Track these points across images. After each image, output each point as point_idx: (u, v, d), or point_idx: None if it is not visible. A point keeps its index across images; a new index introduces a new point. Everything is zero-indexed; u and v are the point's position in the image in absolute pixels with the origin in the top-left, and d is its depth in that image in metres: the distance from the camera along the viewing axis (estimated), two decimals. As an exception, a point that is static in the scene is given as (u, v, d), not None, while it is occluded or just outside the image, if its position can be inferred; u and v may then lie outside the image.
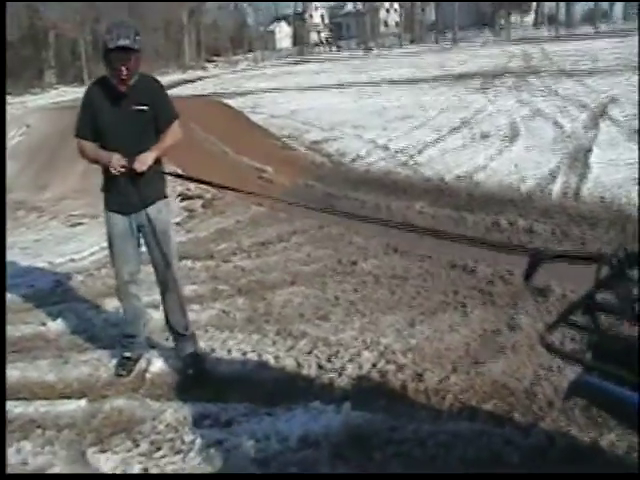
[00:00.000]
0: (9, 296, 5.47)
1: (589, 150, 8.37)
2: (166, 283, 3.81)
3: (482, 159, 8.80)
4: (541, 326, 3.90)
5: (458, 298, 4.48)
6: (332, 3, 79.44)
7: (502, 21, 55.60)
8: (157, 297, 4.04)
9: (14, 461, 3.13)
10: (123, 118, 3.56)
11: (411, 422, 3.06)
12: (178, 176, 4.35)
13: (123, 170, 3.52)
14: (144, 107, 3.58)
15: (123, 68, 3.41)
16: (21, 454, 3.17)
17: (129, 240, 3.74)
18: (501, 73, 19.86)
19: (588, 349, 1.74)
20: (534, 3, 60.09)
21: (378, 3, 68.81)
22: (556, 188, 6.94)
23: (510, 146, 9.43)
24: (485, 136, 10.38)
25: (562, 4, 54.46)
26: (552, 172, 7.62)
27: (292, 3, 73.93)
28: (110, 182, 3.67)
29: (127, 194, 3.63)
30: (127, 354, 3.97)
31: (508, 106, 13.08)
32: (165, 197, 3.84)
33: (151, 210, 3.71)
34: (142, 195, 3.66)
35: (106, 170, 3.62)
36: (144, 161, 3.54)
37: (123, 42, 3.37)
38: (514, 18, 60.76)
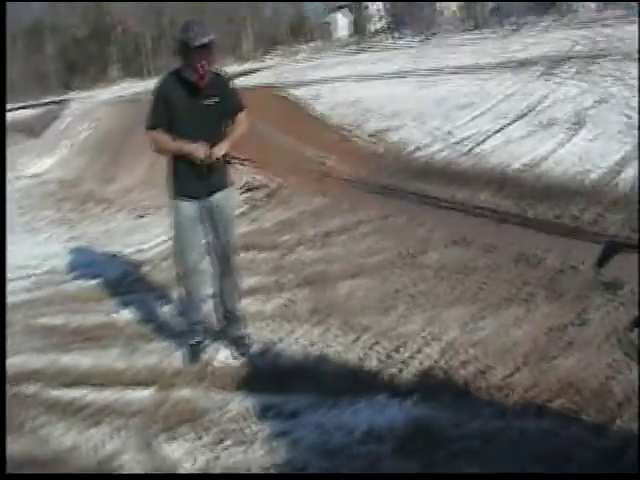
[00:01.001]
0: (80, 285, 5.66)
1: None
2: (227, 267, 3.99)
3: (547, 148, 8.56)
4: (611, 322, 3.79)
5: (524, 291, 4.37)
6: None
7: (565, 5, 53.96)
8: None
9: (89, 445, 3.25)
10: (197, 111, 3.71)
11: (476, 418, 3.02)
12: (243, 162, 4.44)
13: (205, 157, 3.66)
14: (215, 100, 3.74)
15: (204, 64, 3.58)
16: (94, 439, 3.28)
17: (197, 227, 3.87)
18: (566, 58, 19.29)
19: None
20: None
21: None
22: (624, 179, 6.71)
23: (576, 135, 9.13)
24: (550, 124, 10.11)
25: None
26: (620, 163, 7.37)
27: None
28: (181, 170, 3.79)
29: (198, 181, 3.76)
30: (197, 339, 4.05)
31: (573, 93, 12.65)
32: (230, 185, 4.03)
33: (219, 196, 3.88)
34: (212, 182, 3.82)
35: (177, 159, 3.76)
36: (219, 150, 3.72)
37: (205, 40, 3.56)
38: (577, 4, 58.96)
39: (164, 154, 3.81)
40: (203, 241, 3.97)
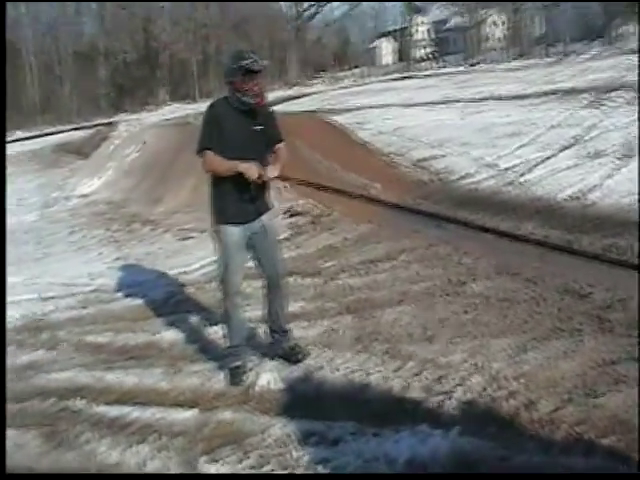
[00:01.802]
0: (126, 304, 5.75)
1: None
2: (278, 284, 4.19)
3: (595, 178, 8.46)
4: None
5: (572, 324, 4.30)
6: (437, 17, 78.81)
7: (616, 32, 53.30)
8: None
9: (133, 462, 3.29)
10: (247, 135, 3.87)
11: (522, 452, 2.97)
12: (309, 184, 4.56)
13: (256, 177, 3.78)
14: (262, 127, 3.92)
15: (259, 87, 3.79)
16: (139, 456, 3.32)
17: (242, 251, 3.99)
18: (615, 87, 19.05)
19: None
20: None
21: (483, 17, 67.74)
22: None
23: (626, 165, 9.01)
24: (598, 154, 9.98)
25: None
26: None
27: (397, 19, 73.77)
28: (228, 195, 3.89)
29: (246, 204, 3.90)
30: (237, 363, 4.09)
31: (623, 122, 12.50)
32: (272, 207, 4.20)
33: (264, 218, 4.03)
34: (257, 205, 3.97)
35: (222, 184, 3.87)
36: (273, 171, 3.89)
37: (261, 65, 3.80)
38: (629, 28, 58.21)
39: (217, 174, 3.89)
40: (247, 265, 4.09)
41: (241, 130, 3.85)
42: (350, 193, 3.67)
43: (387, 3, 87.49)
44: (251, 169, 3.76)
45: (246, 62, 3.74)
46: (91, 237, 8.92)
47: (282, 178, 4.00)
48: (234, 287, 4.00)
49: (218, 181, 3.92)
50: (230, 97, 3.86)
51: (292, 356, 4.20)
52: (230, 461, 3.21)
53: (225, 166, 3.81)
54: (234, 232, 3.92)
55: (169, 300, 5.77)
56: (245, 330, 4.25)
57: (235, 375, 4.05)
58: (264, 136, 3.95)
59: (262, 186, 3.96)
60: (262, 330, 4.51)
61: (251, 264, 4.17)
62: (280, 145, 4.07)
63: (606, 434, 3.06)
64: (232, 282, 3.99)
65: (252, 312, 4.70)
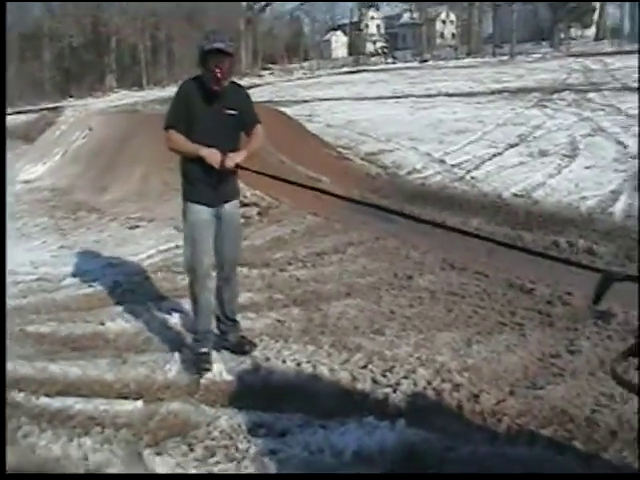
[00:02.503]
0: (71, 294, 5.62)
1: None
2: (231, 274, 4.12)
3: (541, 177, 8.68)
4: (602, 351, 3.82)
5: (516, 319, 4.41)
6: (388, 13, 79.36)
7: (561, 35, 54.63)
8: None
9: (75, 456, 3.21)
10: (215, 119, 3.77)
11: (467, 443, 3.03)
12: (261, 173, 4.43)
13: (217, 165, 3.70)
14: (234, 112, 3.81)
15: (218, 69, 3.63)
16: (82, 449, 3.24)
17: (210, 231, 3.91)
18: (560, 88, 19.54)
19: None
20: (596, 16, 58.73)
21: (434, 14, 68.56)
22: (618, 209, 6.79)
23: (570, 164, 9.27)
24: (544, 153, 10.23)
25: (627, 16, 52.97)
26: (614, 192, 7.47)
27: (348, 13, 74.00)
28: (197, 174, 3.81)
29: (213, 187, 3.82)
30: (204, 349, 4.01)
31: (568, 123, 12.86)
32: (238, 196, 4.11)
33: (229, 205, 3.95)
34: (225, 190, 3.90)
35: (191, 162, 3.80)
36: (235, 158, 3.76)
37: (219, 45, 3.62)
38: (574, 32, 59.70)
39: (179, 153, 3.84)
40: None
41: (211, 113, 3.76)
42: (317, 188, 3.70)
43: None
44: (212, 155, 3.69)
45: (204, 42, 3.65)
46: (34, 225, 8.68)
47: (240, 167, 3.91)
48: (203, 268, 3.89)
49: (186, 159, 3.85)
50: (200, 77, 3.76)
51: (239, 348, 4.16)
52: (175, 454, 3.17)
53: (187, 148, 3.74)
54: (202, 210, 3.85)
55: (116, 290, 5.65)
56: (212, 314, 4.12)
57: (202, 362, 3.97)
58: (238, 120, 3.84)
59: (229, 172, 3.87)
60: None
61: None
62: (257, 127, 3.93)
63: (547, 425, 3.14)
64: (201, 263, 3.87)
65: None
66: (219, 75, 3.64)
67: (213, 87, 3.70)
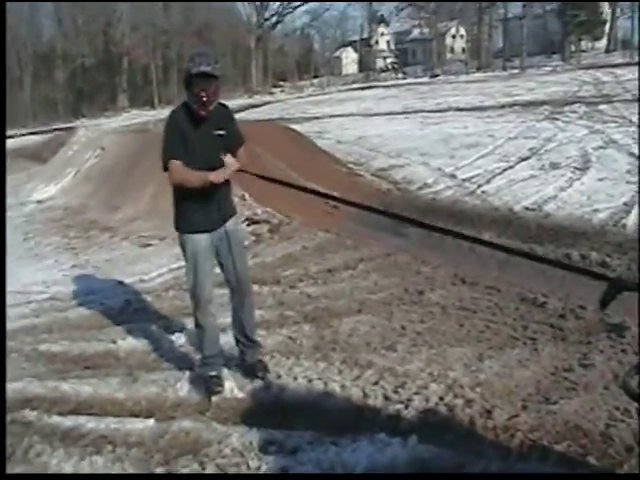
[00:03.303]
0: (82, 313, 5.65)
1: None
2: (244, 292, 4.06)
3: (552, 190, 8.64)
4: (616, 365, 3.78)
5: (528, 333, 4.37)
6: (398, 29, 79.67)
7: (572, 47, 54.58)
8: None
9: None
10: (205, 141, 3.74)
11: (479, 459, 3.00)
12: (274, 181, 4.42)
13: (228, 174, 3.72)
14: (222, 132, 3.79)
15: (204, 93, 3.60)
16: (93, 468, 3.26)
17: (210, 258, 3.91)
18: (571, 101, 19.50)
19: None
20: (607, 28, 58.67)
21: (444, 29, 68.78)
22: (630, 221, 6.75)
23: (581, 177, 9.23)
24: (555, 166, 10.19)
25: (637, 28, 52.84)
26: (626, 204, 7.42)
27: (358, 29, 74.35)
28: (192, 203, 3.79)
29: (210, 211, 3.81)
30: (213, 372, 3.99)
31: (579, 135, 12.81)
32: (236, 212, 4.11)
33: (229, 224, 3.94)
34: (222, 211, 3.89)
35: (186, 191, 3.75)
36: (236, 165, 3.77)
37: (205, 68, 3.57)
38: (585, 44, 59.63)
39: (184, 186, 3.73)
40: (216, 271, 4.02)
41: (200, 137, 3.73)
42: (319, 192, 3.71)
43: (349, 11, 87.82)
44: (220, 175, 3.68)
45: (189, 65, 3.61)
46: (47, 244, 8.76)
47: (244, 171, 3.90)
48: (205, 295, 3.90)
49: (181, 189, 3.80)
50: (186, 102, 3.73)
51: (253, 371, 4.09)
52: (187, 472, 3.17)
53: (193, 178, 3.68)
54: (201, 239, 3.84)
55: (127, 308, 5.69)
56: (218, 339, 4.09)
57: (212, 384, 3.95)
58: (224, 141, 3.81)
59: (225, 191, 3.90)
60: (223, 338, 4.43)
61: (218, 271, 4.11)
62: (241, 150, 3.92)
63: (560, 440, 3.11)
64: (203, 290, 3.88)
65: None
66: (204, 99, 3.62)
67: (200, 112, 3.67)
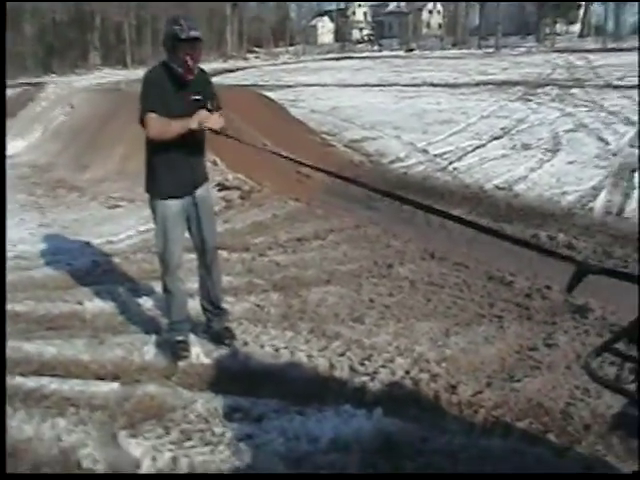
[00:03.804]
0: (48, 272, 5.56)
1: (635, 169, 8.21)
2: (212, 260, 4.03)
3: (522, 170, 8.72)
4: (579, 345, 3.86)
5: (494, 311, 4.43)
6: (375, 1, 79.08)
7: (547, 30, 54.81)
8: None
9: (48, 436, 3.18)
10: (184, 105, 3.68)
11: (443, 434, 3.04)
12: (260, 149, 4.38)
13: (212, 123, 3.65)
14: (199, 97, 3.74)
15: (189, 57, 3.59)
16: (55, 430, 3.21)
17: (181, 223, 3.87)
18: (544, 83, 19.62)
19: (634, 380, 1.70)
20: (581, 13, 59.01)
21: (421, 4, 68.44)
22: (598, 205, 6.85)
23: (551, 159, 9.32)
24: (526, 147, 10.28)
25: (611, 15, 53.31)
26: (594, 188, 7.53)
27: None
28: (164, 168, 3.74)
29: (181, 177, 3.77)
30: (180, 337, 3.98)
31: (551, 117, 12.92)
32: (208, 180, 4.07)
33: (200, 191, 3.91)
34: (194, 177, 3.86)
35: (158, 155, 3.72)
36: (216, 122, 3.71)
37: (194, 33, 3.58)
38: (559, 27, 59.89)
39: (165, 136, 3.64)
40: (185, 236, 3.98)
41: (178, 99, 3.68)
42: (290, 158, 3.69)
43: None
44: (202, 120, 3.60)
45: (175, 28, 3.56)
46: (13, 201, 8.56)
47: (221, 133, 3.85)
48: (174, 260, 3.87)
49: (154, 153, 3.76)
50: (168, 63, 3.68)
51: (220, 338, 4.09)
52: (150, 436, 3.15)
53: (173, 127, 3.59)
54: (171, 205, 3.79)
55: (94, 270, 5.61)
56: (186, 304, 4.08)
57: (179, 349, 3.93)
58: (201, 106, 3.74)
59: (198, 157, 3.87)
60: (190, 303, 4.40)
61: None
62: (219, 113, 3.85)
63: (522, 417, 3.17)
64: (172, 255, 3.85)
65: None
66: (191, 64, 3.61)
67: (187, 76, 3.65)
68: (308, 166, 3.61)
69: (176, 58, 3.61)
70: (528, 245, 2.03)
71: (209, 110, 3.74)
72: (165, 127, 3.61)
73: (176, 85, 3.69)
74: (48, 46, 49.82)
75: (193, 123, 3.60)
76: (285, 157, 4.20)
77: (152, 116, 3.60)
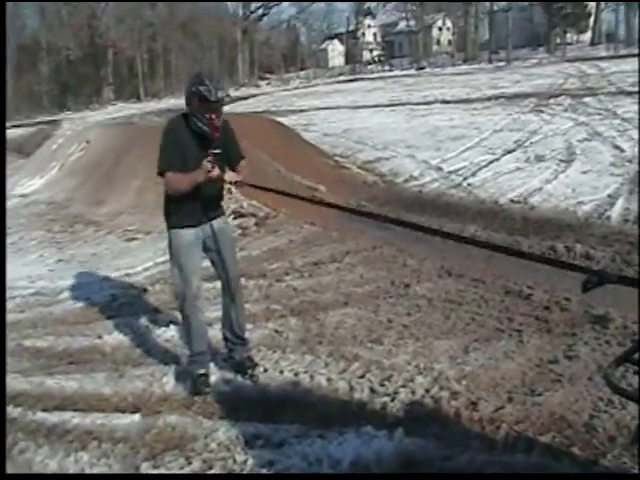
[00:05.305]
0: (68, 307, 5.62)
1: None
2: (235, 288, 4.03)
3: (537, 182, 8.68)
4: (600, 356, 3.81)
5: (513, 325, 4.39)
6: (385, 21, 79.60)
7: (557, 40, 54.77)
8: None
9: (73, 471, 3.20)
10: (205, 158, 3.68)
11: (465, 451, 3.01)
12: (263, 188, 4.44)
13: (215, 176, 3.68)
14: (219, 150, 3.77)
15: (216, 116, 3.65)
16: (79, 464, 3.24)
17: (196, 253, 3.88)
18: (557, 93, 19.56)
19: None
20: (591, 21, 58.90)
21: (430, 22, 68.80)
22: (615, 213, 6.79)
23: (566, 169, 9.27)
24: (540, 158, 10.23)
25: (622, 22, 53.12)
26: (611, 196, 7.47)
27: (345, 22, 74.37)
28: (181, 198, 3.76)
29: (196, 206, 3.80)
30: (201, 371, 3.94)
31: (564, 128, 12.86)
32: (224, 213, 4.13)
33: (218, 222, 3.94)
34: (211, 209, 3.90)
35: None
36: (238, 175, 3.84)
37: (222, 94, 3.64)
38: (570, 37, 59.84)
39: (181, 192, 3.72)
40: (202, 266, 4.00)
41: (200, 155, 3.69)
42: (313, 199, 3.74)
43: (335, 4, 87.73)
44: (205, 172, 3.63)
45: (202, 89, 3.59)
46: (31, 239, 8.69)
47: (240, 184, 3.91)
48: (191, 291, 3.85)
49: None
50: (190, 118, 3.71)
51: (242, 369, 4.05)
52: (173, 467, 3.16)
53: (187, 183, 3.66)
54: (185, 234, 3.82)
55: (113, 303, 5.65)
56: (206, 334, 4.06)
57: (200, 383, 3.91)
58: (224, 156, 3.81)
59: (217, 191, 3.91)
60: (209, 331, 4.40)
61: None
62: (243, 163, 3.95)
63: (544, 431, 3.13)
64: (190, 284, 3.84)
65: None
66: (217, 123, 3.67)
67: (214, 134, 3.71)
68: (317, 203, 3.64)
69: (201, 116, 3.65)
70: (543, 260, 2.03)
71: (229, 164, 3.84)
72: (178, 185, 3.69)
73: (200, 142, 3.73)
74: (63, 84, 50.72)
75: (200, 177, 3.64)
76: (302, 198, 4.23)
77: (168, 175, 3.68)
